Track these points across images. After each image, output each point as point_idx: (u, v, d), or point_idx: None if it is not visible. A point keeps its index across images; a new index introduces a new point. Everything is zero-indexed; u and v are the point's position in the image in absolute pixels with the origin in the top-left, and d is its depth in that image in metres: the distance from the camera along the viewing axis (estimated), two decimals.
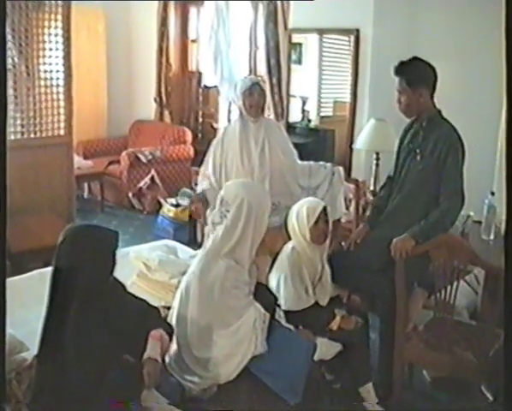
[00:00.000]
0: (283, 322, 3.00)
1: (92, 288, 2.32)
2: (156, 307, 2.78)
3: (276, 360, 2.74)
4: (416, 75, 3.23)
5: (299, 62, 6.38)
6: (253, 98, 3.71)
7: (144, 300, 2.71)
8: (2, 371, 1.98)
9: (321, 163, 3.93)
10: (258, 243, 2.88)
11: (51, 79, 5.40)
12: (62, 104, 5.45)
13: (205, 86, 7.88)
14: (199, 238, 5.94)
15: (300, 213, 3.17)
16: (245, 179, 3.43)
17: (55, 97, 5.42)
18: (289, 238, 3.26)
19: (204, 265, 2.82)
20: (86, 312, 2.30)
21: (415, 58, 3.28)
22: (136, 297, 2.68)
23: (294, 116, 6.52)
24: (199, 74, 7.90)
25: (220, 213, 2.86)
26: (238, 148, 3.72)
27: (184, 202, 6.12)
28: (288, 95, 6.39)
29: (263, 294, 2.86)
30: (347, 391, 3.24)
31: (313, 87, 6.31)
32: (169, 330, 2.63)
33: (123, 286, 2.63)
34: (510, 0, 1.87)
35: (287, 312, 3.08)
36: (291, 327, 3.01)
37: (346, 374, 3.25)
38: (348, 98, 5.79)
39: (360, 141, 5.04)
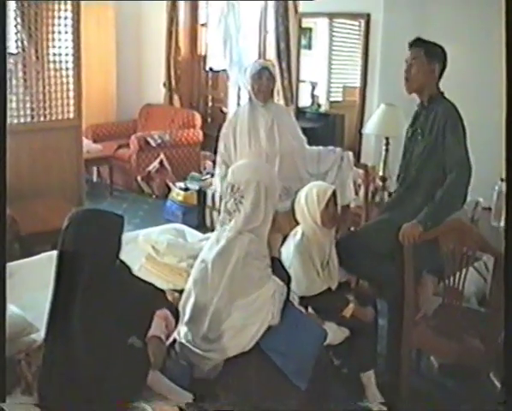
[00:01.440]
0: (296, 304, 3.00)
1: (97, 271, 2.32)
2: (162, 290, 2.78)
3: (287, 341, 2.74)
4: (434, 49, 3.24)
5: (309, 46, 6.34)
6: (262, 82, 3.71)
7: (151, 284, 2.72)
8: (2, 372, 1.99)
9: (330, 147, 3.92)
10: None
11: (61, 62, 5.40)
12: (71, 87, 5.46)
13: (212, 70, 7.87)
14: (207, 222, 5.97)
15: (310, 197, 3.15)
16: (248, 160, 3.40)
17: (64, 80, 5.43)
18: (297, 223, 3.25)
19: (224, 247, 2.78)
20: (93, 296, 2.31)
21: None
22: (143, 280, 2.69)
23: (304, 100, 6.49)
24: (207, 57, 7.89)
25: (234, 200, 2.81)
26: (246, 131, 3.72)
27: (193, 186, 6.13)
28: (298, 80, 6.36)
29: (278, 269, 2.85)
30: (353, 377, 3.25)
31: (323, 72, 6.27)
32: (175, 313, 2.63)
33: (130, 269, 2.64)
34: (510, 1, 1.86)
35: (300, 298, 3.08)
36: (303, 310, 3.02)
37: (353, 359, 3.25)
38: (357, 82, 5.76)
39: (370, 126, 5.02)
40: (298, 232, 3.20)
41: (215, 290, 2.75)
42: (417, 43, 3.26)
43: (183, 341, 2.81)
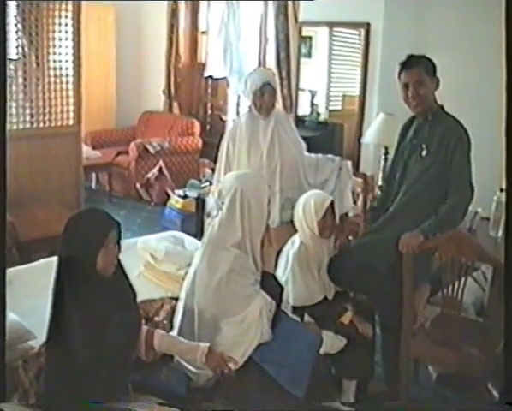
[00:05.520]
0: (289, 313, 2.99)
1: (92, 274, 2.28)
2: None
3: (281, 351, 2.73)
4: (433, 65, 3.15)
5: (308, 55, 6.36)
6: (264, 99, 3.65)
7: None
8: (2, 372, 1.98)
9: (329, 156, 3.90)
10: (263, 231, 2.85)
11: (61, 69, 5.41)
12: (71, 93, 5.46)
13: (211, 77, 7.88)
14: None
15: (307, 207, 3.14)
16: (244, 170, 3.39)
17: (64, 87, 5.43)
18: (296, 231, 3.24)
19: (209, 256, 2.80)
20: (91, 299, 2.28)
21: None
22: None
23: (303, 109, 6.50)
24: (207, 65, 7.90)
25: (217, 205, 2.84)
26: (246, 144, 3.69)
27: (192, 193, 6.12)
28: (298, 88, 6.37)
29: (269, 284, 2.85)
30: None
31: (323, 81, 6.28)
32: None
33: (131, 285, 2.60)
34: (510, 1, 1.86)
35: (296, 306, 3.07)
36: (297, 319, 3.01)
37: (348, 368, 3.23)
38: (357, 91, 5.77)
39: (369, 135, 5.03)
40: (296, 241, 3.19)
41: (201, 296, 2.75)
42: (414, 63, 3.14)
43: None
